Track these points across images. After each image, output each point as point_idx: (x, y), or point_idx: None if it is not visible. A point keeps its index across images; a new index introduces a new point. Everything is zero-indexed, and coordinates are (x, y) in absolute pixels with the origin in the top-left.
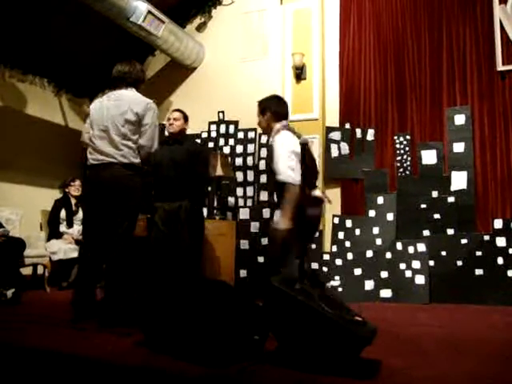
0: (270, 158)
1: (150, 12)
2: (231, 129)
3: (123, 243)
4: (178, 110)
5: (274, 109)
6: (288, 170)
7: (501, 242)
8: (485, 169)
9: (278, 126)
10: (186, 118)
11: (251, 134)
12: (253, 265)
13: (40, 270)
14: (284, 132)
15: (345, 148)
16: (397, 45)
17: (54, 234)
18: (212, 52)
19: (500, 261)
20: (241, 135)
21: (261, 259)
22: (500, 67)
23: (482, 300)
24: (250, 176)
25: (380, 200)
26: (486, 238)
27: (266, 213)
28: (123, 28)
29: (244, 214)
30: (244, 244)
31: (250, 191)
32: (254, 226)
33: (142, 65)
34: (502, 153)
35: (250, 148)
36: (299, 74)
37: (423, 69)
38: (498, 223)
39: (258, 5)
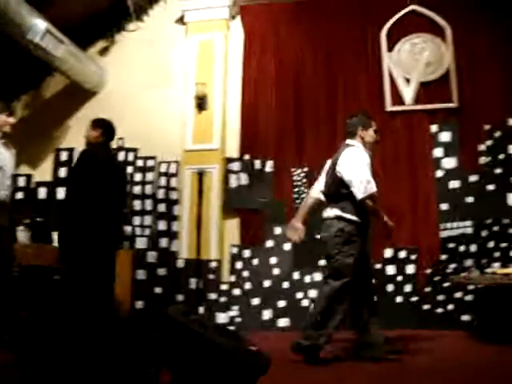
0: None
1: (48, 31)
2: (130, 156)
3: None
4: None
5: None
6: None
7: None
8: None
9: None
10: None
11: (151, 163)
12: (149, 296)
13: None
14: None
15: (244, 178)
16: (297, 81)
17: None
18: (115, 77)
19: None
20: (140, 163)
21: (158, 290)
22: (389, 108)
23: None
24: (148, 205)
25: (278, 230)
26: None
27: (163, 242)
28: (21, 46)
29: (141, 243)
30: (140, 274)
31: (147, 220)
32: (152, 256)
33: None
34: (387, 190)
35: (149, 176)
36: (201, 103)
37: (320, 106)
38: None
39: (162, 33)
